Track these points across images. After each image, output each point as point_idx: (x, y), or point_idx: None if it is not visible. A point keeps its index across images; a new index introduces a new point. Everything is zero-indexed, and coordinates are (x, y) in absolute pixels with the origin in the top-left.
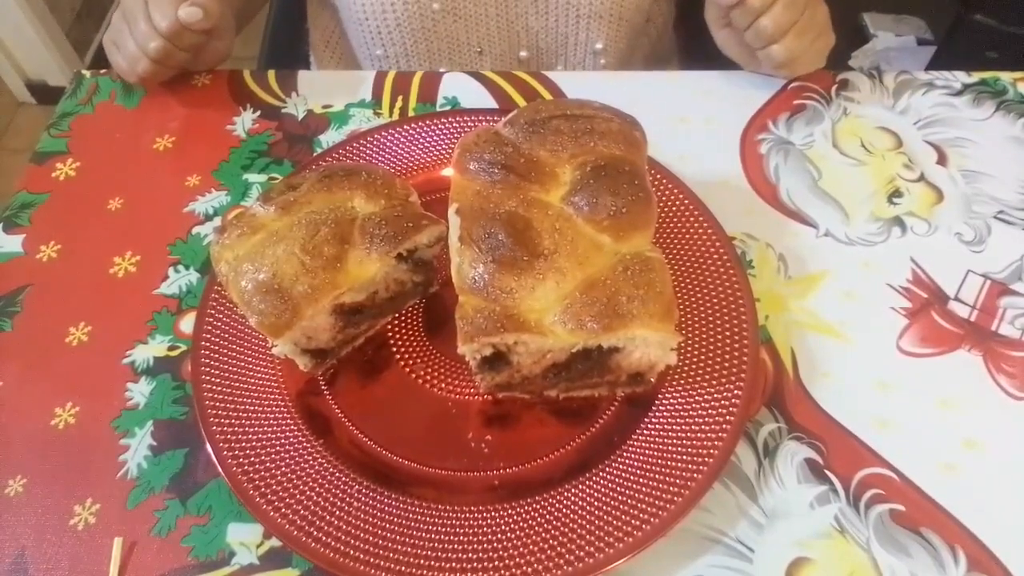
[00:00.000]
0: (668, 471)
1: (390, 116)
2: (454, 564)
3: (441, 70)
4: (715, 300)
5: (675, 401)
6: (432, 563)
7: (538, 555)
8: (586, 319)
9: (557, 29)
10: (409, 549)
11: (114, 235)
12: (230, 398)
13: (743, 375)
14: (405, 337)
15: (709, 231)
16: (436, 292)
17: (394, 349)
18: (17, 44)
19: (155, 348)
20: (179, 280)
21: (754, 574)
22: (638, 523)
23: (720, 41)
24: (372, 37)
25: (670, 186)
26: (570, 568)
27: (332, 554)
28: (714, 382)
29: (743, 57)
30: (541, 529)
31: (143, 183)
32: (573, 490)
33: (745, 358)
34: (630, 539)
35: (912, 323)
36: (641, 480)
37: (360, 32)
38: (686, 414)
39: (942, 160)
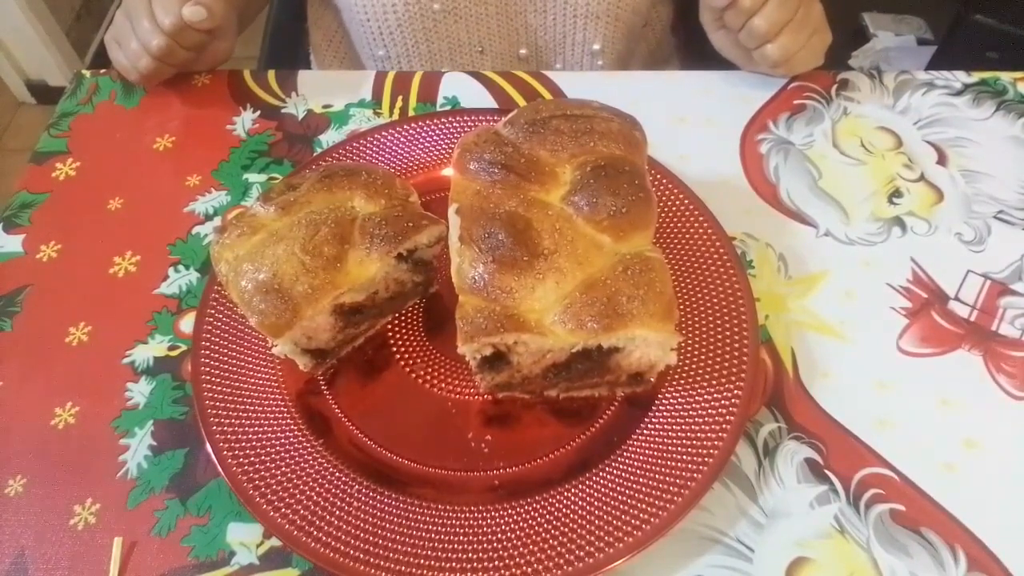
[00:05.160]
0: (668, 471)
1: (390, 116)
2: (454, 564)
3: (443, 70)
4: (715, 300)
5: (675, 401)
6: (432, 563)
7: (538, 555)
8: (586, 319)
9: (555, 28)
10: (409, 549)
11: (114, 235)
12: (230, 398)
13: (743, 375)
14: (405, 337)
15: (709, 231)
16: (436, 292)
17: (394, 349)
18: (17, 44)
19: (155, 348)
20: (179, 280)
21: (754, 574)
22: (638, 523)
23: (716, 43)
24: (374, 38)
25: (670, 186)
26: (570, 568)
27: (332, 554)
28: (714, 382)
29: (740, 58)
30: (541, 529)
31: (143, 183)
32: (573, 490)
33: (745, 358)
34: (630, 539)
35: (912, 323)
36: (641, 480)
37: (362, 33)
38: (686, 414)
39: (942, 160)
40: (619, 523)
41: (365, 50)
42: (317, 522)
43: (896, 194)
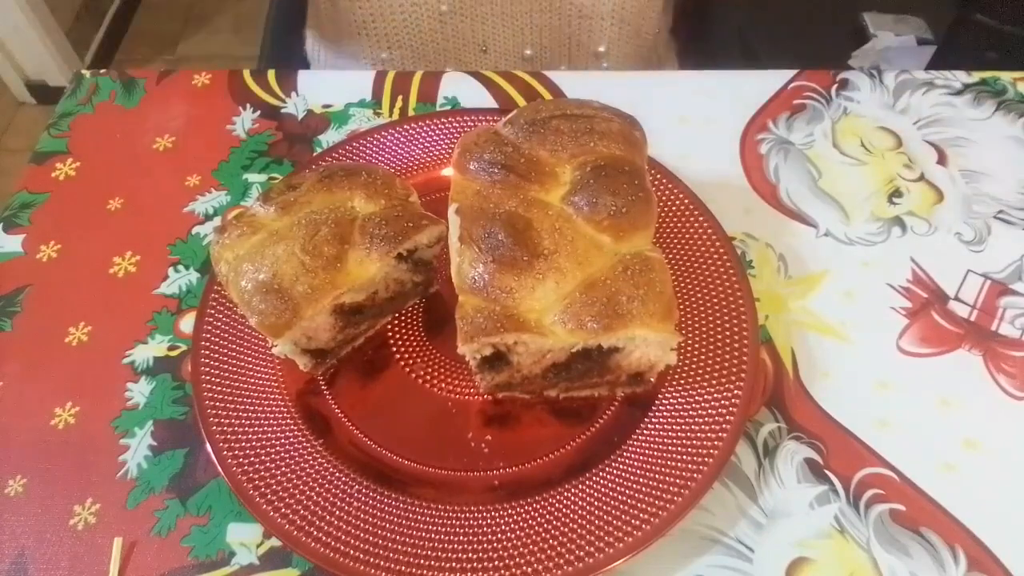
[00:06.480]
0: (668, 471)
1: (390, 116)
2: (454, 564)
3: (446, 69)
4: (715, 300)
5: (675, 401)
6: (432, 563)
7: (538, 555)
8: (586, 319)
9: (561, 29)
10: (409, 549)
11: (114, 235)
12: (230, 398)
13: (743, 375)
14: (405, 337)
15: (709, 231)
16: (436, 292)
17: (394, 349)
18: (17, 44)
19: (155, 348)
20: (179, 280)
21: (754, 574)
22: (638, 523)
23: None
24: (379, 39)
25: (670, 186)
26: (570, 568)
27: (332, 554)
28: (714, 382)
29: None
30: (541, 529)
31: (143, 183)
32: (573, 490)
33: (745, 358)
34: (630, 539)
35: (912, 323)
36: (641, 480)
37: (366, 35)
38: (686, 414)
39: (942, 160)
40: (619, 523)
41: (367, 52)
42: (317, 522)
43: (896, 194)
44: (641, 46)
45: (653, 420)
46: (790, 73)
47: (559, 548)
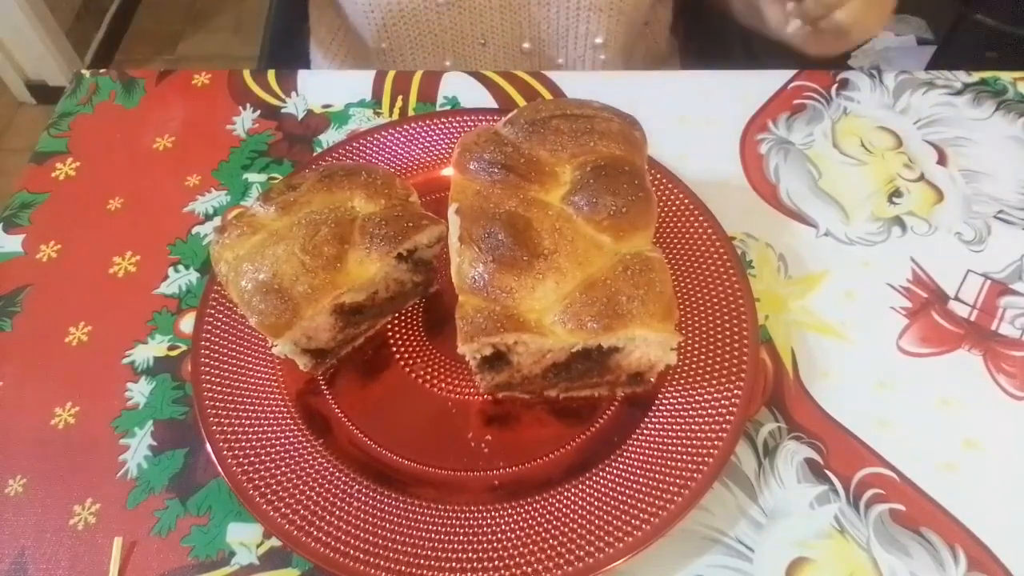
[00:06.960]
0: (668, 471)
1: (390, 116)
2: (454, 564)
3: (446, 63)
4: (715, 300)
5: (675, 401)
6: (432, 563)
7: (538, 555)
8: (586, 319)
9: (558, 21)
10: (409, 549)
11: (114, 235)
12: (230, 398)
13: (743, 375)
14: (405, 337)
15: (709, 231)
16: (436, 292)
17: (394, 349)
18: (17, 44)
19: (155, 348)
20: (179, 280)
21: (754, 574)
22: (638, 523)
23: (773, 20)
24: (377, 30)
25: (670, 186)
26: (570, 568)
27: (332, 554)
28: (714, 382)
29: (799, 36)
30: (541, 529)
31: (143, 183)
32: (573, 490)
33: (745, 358)
34: (630, 539)
35: (912, 323)
36: (641, 480)
37: (365, 25)
38: (686, 414)
39: (942, 160)
40: (619, 523)
41: (368, 43)
42: (317, 522)
43: (896, 194)
44: (638, 39)
45: (653, 420)
46: (790, 73)
47: (559, 548)
